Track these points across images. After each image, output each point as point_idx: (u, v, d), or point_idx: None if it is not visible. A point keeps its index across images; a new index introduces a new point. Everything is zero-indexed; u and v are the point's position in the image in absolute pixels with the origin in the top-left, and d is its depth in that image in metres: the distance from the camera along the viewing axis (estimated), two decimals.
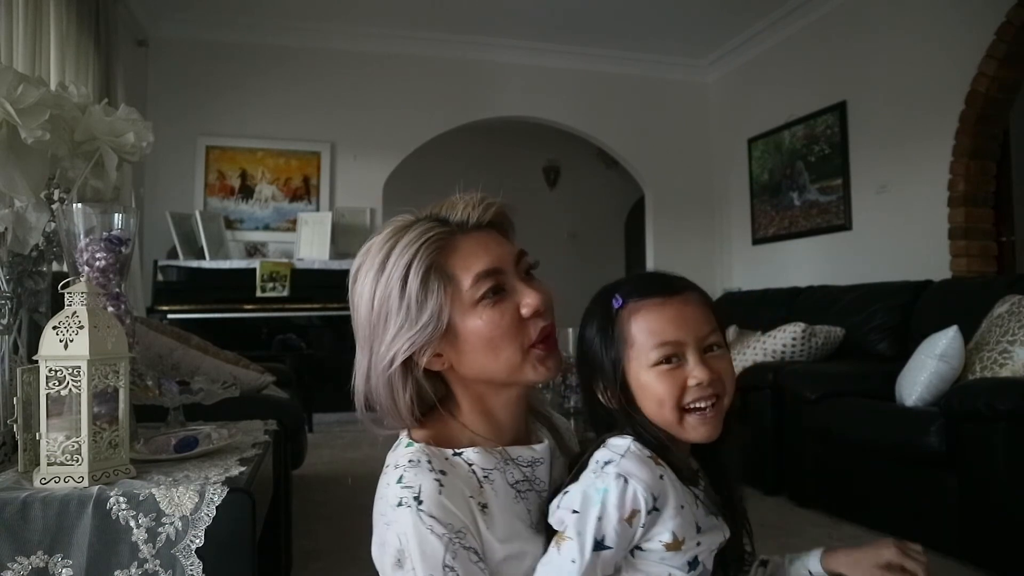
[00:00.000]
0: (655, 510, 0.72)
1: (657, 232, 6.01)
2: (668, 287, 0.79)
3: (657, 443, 0.76)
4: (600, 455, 0.77)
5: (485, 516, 0.74)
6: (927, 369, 2.34)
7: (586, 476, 0.76)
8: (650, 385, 0.76)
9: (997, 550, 1.97)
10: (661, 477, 0.74)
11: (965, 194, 3.74)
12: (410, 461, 0.75)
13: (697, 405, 0.75)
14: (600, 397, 0.81)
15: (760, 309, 4.23)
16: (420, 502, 0.71)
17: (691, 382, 0.75)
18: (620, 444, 0.77)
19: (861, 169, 4.43)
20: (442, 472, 0.74)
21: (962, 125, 3.70)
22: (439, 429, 0.81)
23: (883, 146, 4.23)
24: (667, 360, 0.76)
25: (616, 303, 0.79)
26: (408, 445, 0.79)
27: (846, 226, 4.53)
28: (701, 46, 5.67)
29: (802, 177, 4.93)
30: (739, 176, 5.65)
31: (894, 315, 3.30)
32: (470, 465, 0.77)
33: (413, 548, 0.70)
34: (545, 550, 0.75)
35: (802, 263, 4.90)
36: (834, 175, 4.63)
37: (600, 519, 0.71)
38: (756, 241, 5.46)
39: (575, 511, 0.73)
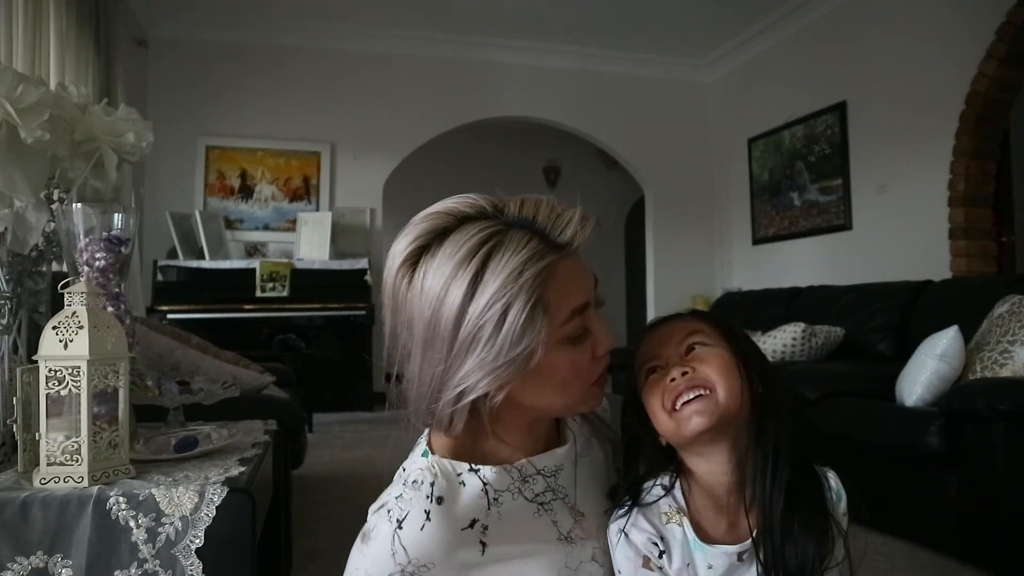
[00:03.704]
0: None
1: (657, 232, 6.01)
2: (653, 323, 0.86)
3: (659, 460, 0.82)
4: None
5: (483, 538, 0.72)
6: (927, 369, 2.34)
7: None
8: (650, 401, 0.79)
9: (997, 550, 1.96)
10: None
11: (965, 194, 3.74)
12: (415, 482, 0.72)
13: (681, 401, 0.76)
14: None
15: (760, 309, 4.23)
16: (401, 527, 0.70)
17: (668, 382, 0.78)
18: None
19: (861, 169, 4.43)
20: (439, 501, 0.71)
21: (962, 125, 3.70)
22: (465, 438, 0.75)
23: (883, 146, 4.23)
24: (653, 371, 0.80)
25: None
26: (424, 455, 0.75)
27: (846, 226, 4.53)
28: (701, 46, 5.66)
29: (802, 177, 4.92)
30: (739, 176, 5.65)
31: (894, 315, 3.30)
32: (484, 485, 0.73)
33: (375, 552, 0.70)
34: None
35: (802, 263, 4.90)
36: (834, 175, 4.62)
37: None
38: (756, 241, 5.46)
39: None
